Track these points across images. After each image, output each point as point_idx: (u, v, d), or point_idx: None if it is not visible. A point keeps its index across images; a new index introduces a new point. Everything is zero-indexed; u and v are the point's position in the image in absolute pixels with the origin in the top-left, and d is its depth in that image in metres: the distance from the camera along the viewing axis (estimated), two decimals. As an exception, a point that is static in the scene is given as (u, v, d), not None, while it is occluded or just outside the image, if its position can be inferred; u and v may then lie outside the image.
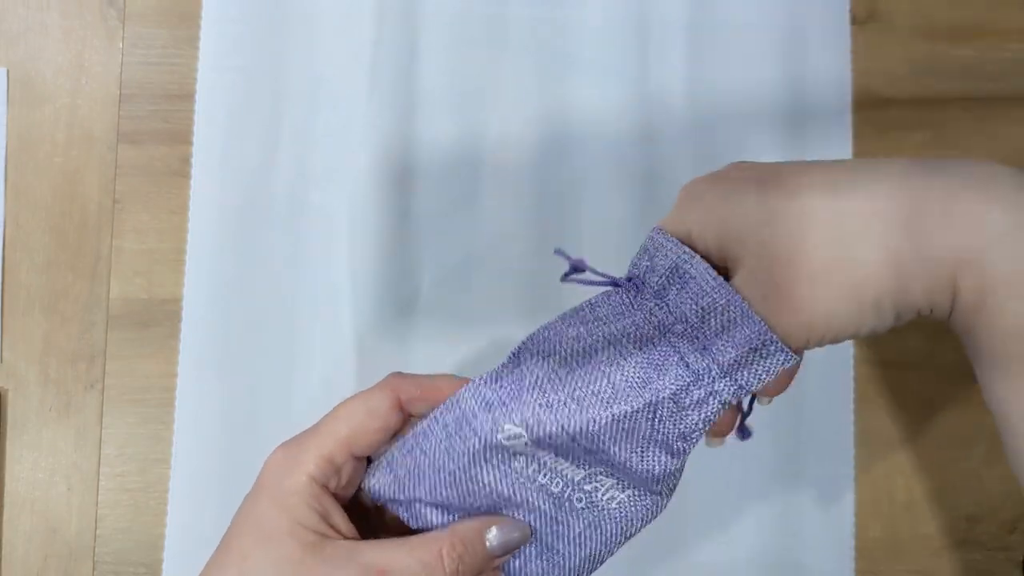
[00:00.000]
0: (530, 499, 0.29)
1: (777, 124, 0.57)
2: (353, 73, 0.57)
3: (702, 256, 0.28)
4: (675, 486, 0.30)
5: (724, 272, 0.28)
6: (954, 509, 0.56)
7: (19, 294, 0.56)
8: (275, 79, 0.57)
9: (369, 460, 0.31)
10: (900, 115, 0.58)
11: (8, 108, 0.57)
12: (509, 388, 0.29)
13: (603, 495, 0.29)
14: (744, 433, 0.33)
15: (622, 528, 0.30)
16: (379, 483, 0.30)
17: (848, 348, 0.56)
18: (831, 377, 0.55)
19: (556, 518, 0.29)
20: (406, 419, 0.30)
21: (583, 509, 0.29)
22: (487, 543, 0.28)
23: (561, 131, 0.57)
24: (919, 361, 0.56)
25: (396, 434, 0.30)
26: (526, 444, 0.28)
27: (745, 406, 0.33)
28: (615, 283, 0.31)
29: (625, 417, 0.28)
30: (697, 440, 0.30)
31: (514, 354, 0.30)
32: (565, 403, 0.28)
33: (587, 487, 0.29)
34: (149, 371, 0.55)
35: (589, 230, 0.56)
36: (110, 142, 0.57)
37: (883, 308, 0.25)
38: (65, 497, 0.55)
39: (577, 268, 0.32)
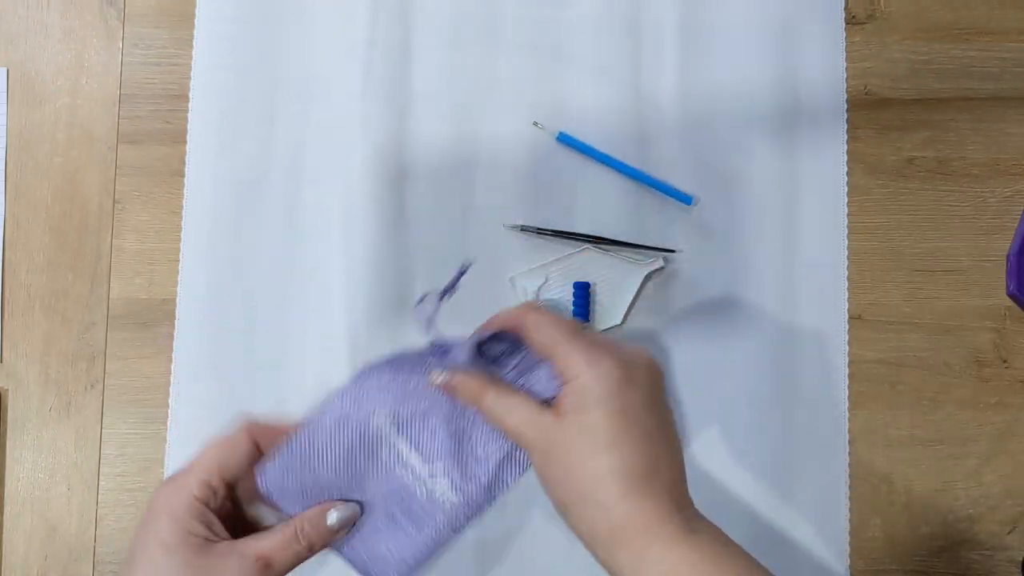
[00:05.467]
0: (389, 484, 0.39)
1: (771, 123, 0.57)
2: (347, 72, 0.57)
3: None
4: (499, 493, 0.39)
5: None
6: (954, 509, 0.56)
7: (19, 294, 0.56)
8: (269, 79, 0.57)
9: (232, 488, 0.38)
10: (899, 115, 0.58)
11: (8, 108, 0.57)
12: (373, 386, 0.39)
13: (440, 494, 0.39)
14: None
15: (450, 521, 0.39)
16: (270, 475, 0.38)
17: (842, 349, 0.56)
18: (824, 378, 0.55)
19: (403, 500, 0.39)
20: (259, 452, 0.38)
21: (424, 500, 0.39)
22: (327, 519, 0.38)
23: (555, 130, 0.57)
24: (919, 361, 0.56)
25: (252, 464, 0.38)
26: (392, 428, 0.39)
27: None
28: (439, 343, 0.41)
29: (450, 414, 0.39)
30: None
31: (373, 366, 0.40)
32: (407, 398, 0.39)
33: (429, 484, 0.39)
34: (149, 371, 0.55)
35: (585, 228, 0.56)
36: (110, 142, 0.57)
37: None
38: (65, 497, 0.55)
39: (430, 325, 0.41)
